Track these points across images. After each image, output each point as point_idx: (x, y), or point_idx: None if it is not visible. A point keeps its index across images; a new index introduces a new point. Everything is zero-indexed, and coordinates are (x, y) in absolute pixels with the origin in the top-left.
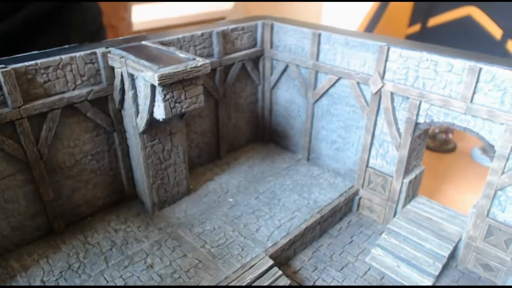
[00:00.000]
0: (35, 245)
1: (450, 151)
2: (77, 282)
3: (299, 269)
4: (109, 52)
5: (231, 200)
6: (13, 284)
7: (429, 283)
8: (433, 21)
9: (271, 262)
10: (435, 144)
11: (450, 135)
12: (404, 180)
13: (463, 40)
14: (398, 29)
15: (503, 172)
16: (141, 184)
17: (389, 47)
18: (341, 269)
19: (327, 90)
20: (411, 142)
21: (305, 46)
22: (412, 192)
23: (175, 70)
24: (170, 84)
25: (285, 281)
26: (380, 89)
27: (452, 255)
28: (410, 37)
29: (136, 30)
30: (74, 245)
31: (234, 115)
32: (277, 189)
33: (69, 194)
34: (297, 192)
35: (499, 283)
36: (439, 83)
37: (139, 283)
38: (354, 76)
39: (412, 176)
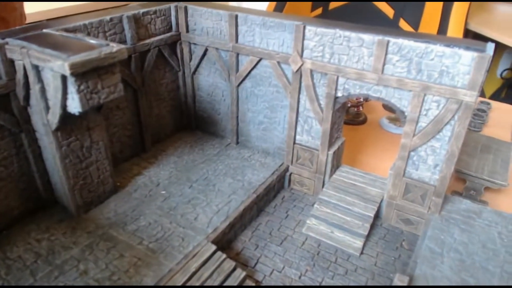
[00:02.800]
0: None
1: (362, 123)
2: None
3: (242, 250)
4: (7, 43)
5: (163, 192)
6: None
7: (360, 243)
8: (333, 4)
9: (214, 247)
10: (348, 117)
11: (361, 108)
12: (329, 152)
13: (360, 20)
14: (302, 13)
15: (414, 135)
16: (60, 187)
17: (305, 25)
18: (281, 243)
19: (250, 72)
20: (332, 116)
21: (222, 28)
22: (337, 163)
23: (88, 58)
24: (84, 73)
25: (229, 264)
26: (300, 67)
27: (377, 215)
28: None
29: (30, 22)
30: None
31: (155, 104)
32: (210, 175)
33: None
34: (230, 176)
35: (420, 235)
36: (352, 57)
37: None
38: (274, 56)
39: (335, 147)
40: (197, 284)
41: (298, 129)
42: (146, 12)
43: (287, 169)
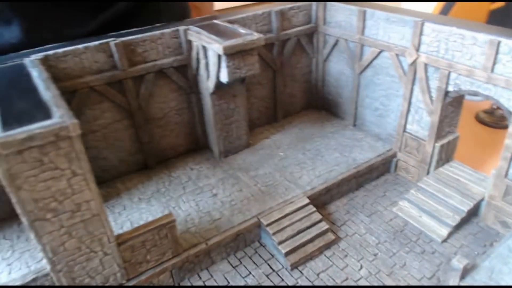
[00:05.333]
0: (135, 174)
1: (506, 127)
2: (163, 201)
3: (333, 212)
4: (189, 29)
5: (281, 154)
6: (118, 198)
7: (446, 232)
8: None
9: (307, 200)
10: (491, 119)
11: None
12: (436, 144)
13: None
14: (480, 5)
15: None
16: (211, 136)
17: (423, 22)
18: (370, 215)
19: (371, 61)
20: (442, 109)
21: (352, 22)
22: (446, 157)
23: (236, 43)
24: (232, 54)
25: (317, 216)
26: (415, 60)
27: (475, 213)
28: (494, 12)
29: (216, 9)
30: (161, 177)
31: (289, 84)
32: (321, 148)
33: (159, 139)
34: (339, 151)
35: None
36: (465, 54)
37: (206, 206)
38: (394, 49)
39: (444, 141)
40: (287, 223)
41: (409, 118)
42: (291, 7)
43: (394, 155)
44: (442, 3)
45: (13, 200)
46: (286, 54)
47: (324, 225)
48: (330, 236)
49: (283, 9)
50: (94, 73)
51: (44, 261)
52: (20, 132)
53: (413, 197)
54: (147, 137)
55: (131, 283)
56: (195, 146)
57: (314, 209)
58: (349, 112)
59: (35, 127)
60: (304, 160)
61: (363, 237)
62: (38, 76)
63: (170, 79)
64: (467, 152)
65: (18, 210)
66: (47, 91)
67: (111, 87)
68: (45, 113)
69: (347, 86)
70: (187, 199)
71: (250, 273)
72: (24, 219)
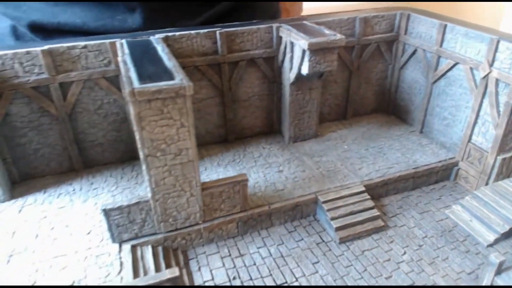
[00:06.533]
0: (216, 145)
1: None
2: (237, 168)
3: (387, 204)
4: (281, 26)
5: (345, 147)
6: (201, 161)
7: (493, 237)
8: None
9: (363, 188)
10: None
11: None
12: (498, 157)
13: None
14: None
15: None
16: (284, 122)
17: (499, 40)
18: (421, 213)
19: (445, 72)
20: (508, 123)
21: (432, 34)
22: (507, 171)
23: (319, 41)
24: (315, 50)
25: (370, 203)
26: (487, 75)
27: None
28: None
29: (304, 14)
30: (238, 150)
31: (363, 86)
32: (384, 147)
33: (241, 118)
34: (401, 152)
35: None
36: None
37: (272, 178)
38: (468, 62)
39: (507, 155)
40: (342, 204)
41: (476, 130)
42: (375, 16)
43: (456, 164)
44: None
45: (137, 137)
46: (364, 58)
47: (375, 212)
48: (380, 222)
49: (367, 17)
50: (200, 55)
51: (142, 195)
52: (151, 86)
53: (467, 203)
54: (231, 115)
55: (206, 225)
56: (269, 129)
57: (369, 197)
58: (418, 119)
59: (162, 84)
60: (366, 155)
61: (411, 230)
62: (161, 50)
63: (259, 68)
64: None
65: (139, 145)
66: (169, 61)
67: (210, 69)
68: (169, 76)
69: (419, 94)
70: (257, 171)
71: (302, 239)
72: (141, 153)
